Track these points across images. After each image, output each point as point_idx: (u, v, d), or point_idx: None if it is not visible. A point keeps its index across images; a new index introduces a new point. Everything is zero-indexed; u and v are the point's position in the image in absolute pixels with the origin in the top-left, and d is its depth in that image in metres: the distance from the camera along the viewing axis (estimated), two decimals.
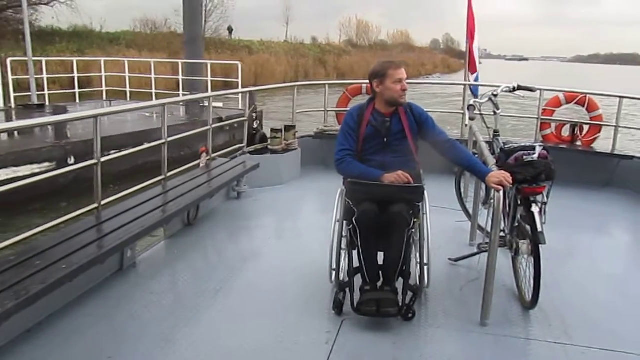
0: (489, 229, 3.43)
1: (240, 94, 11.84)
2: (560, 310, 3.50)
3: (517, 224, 3.67)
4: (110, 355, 2.89)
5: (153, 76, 15.76)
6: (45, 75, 14.53)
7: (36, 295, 2.76)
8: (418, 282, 3.45)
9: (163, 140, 4.92)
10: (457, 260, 4.21)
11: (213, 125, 6.08)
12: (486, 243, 3.83)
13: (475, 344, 3.15)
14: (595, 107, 7.56)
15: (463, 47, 8.57)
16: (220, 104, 13.22)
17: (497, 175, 3.25)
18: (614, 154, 6.81)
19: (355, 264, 3.37)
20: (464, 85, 8.04)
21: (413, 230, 3.35)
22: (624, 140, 7.97)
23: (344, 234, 3.46)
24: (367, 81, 3.63)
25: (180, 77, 15.51)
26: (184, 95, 14.30)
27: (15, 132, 9.96)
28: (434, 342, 3.16)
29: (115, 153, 4.85)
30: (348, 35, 68.26)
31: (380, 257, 3.37)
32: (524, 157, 3.53)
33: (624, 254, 4.97)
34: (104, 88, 15.94)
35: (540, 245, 3.30)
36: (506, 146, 3.77)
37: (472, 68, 8.03)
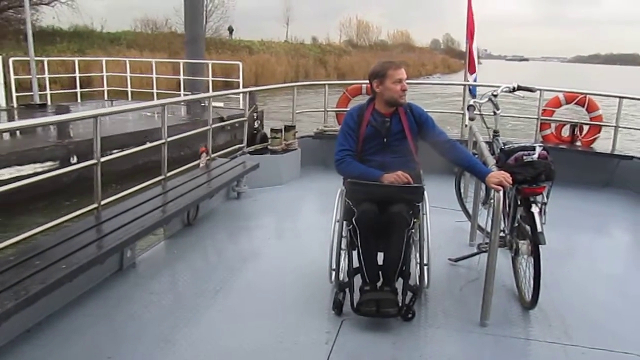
0: (488, 229, 3.43)
1: (240, 94, 11.85)
2: (560, 311, 3.50)
3: (517, 224, 3.67)
4: (109, 356, 2.89)
5: (154, 76, 15.80)
6: (47, 75, 14.58)
7: (36, 295, 2.76)
8: (418, 283, 3.45)
9: (163, 141, 4.92)
10: (456, 260, 4.20)
11: (213, 125, 6.08)
12: (486, 243, 3.83)
13: (475, 344, 3.15)
14: (595, 108, 7.56)
15: (463, 48, 8.57)
16: (221, 104, 13.27)
17: (497, 175, 3.25)
18: (614, 154, 6.81)
19: (355, 264, 3.37)
20: (464, 85, 8.04)
21: (413, 230, 3.35)
22: (623, 140, 7.96)
23: (343, 234, 3.46)
24: (367, 81, 3.62)
25: (182, 77, 15.55)
26: (185, 95, 14.34)
27: (18, 132, 10.02)
28: (434, 342, 3.16)
29: (117, 152, 4.87)
30: (348, 35, 68.38)
31: (380, 257, 3.37)
32: (524, 157, 3.53)
33: (624, 254, 4.97)
34: (105, 88, 15.98)
35: (540, 246, 3.30)
36: (506, 146, 3.78)
37: (472, 68, 8.05)
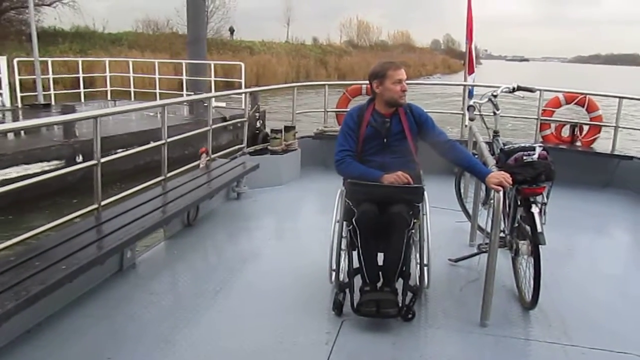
0: (488, 230, 3.43)
1: (242, 95, 11.90)
2: (560, 311, 3.50)
3: (517, 225, 3.67)
4: (109, 356, 2.89)
5: (157, 76, 15.88)
6: (51, 76, 14.64)
7: (36, 296, 2.75)
8: (418, 283, 3.45)
9: (163, 141, 4.92)
10: (457, 260, 4.20)
11: (214, 126, 6.08)
12: (486, 243, 3.83)
13: (475, 345, 3.15)
14: (594, 108, 7.57)
15: (463, 48, 8.59)
16: (223, 104, 13.35)
17: (497, 175, 3.25)
18: (614, 154, 6.81)
19: (355, 264, 3.37)
20: (463, 85, 8.05)
21: (413, 230, 3.35)
22: (623, 140, 7.96)
23: (343, 234, 3.46)
24: (367, 82, 3.62)
25: (184, 77, 15.60)
26: (187, 95, 14.39)
27: (22, 131, 10.10)
28: (434, 342, 3.16)
29: (121, 152, 4.92)
30: (349, 35, 68.41)
31: (380, 257, 3.37)
32: (524, 157, 3.53)
33: (624, 255, 4.97)
34: (108, 88, 16.07)
35: (540, 246, 3.30)
36: (506, 147, 3.77)
37: (471, 69, 8.07)
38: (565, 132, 7.55)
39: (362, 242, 3.29)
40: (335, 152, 3.53)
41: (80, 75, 15.39)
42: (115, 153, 4.85)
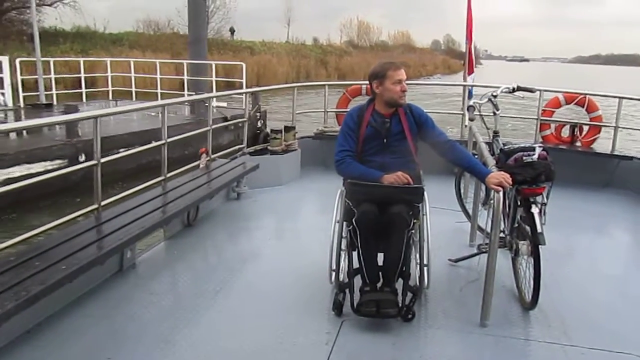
0: (488, 230, 3.43)
1: (242, 95, 11.97)
2: (560, 311, 3.50)
3: (516, 225, 3.67)
4: (109, 356, 2.89)
5: (159, 76, 15.96)
6: (52, 76, 14.70)
7: (36, 296, 2.75)
8: (418, 283, 3.45)
9: (163, 141, 4.92)
10: (456, 261, 4.20)
11: (214, 126, 6.08)
12: (486, 244, 3.83)
13: (475, 345, 3.15)
14: (594, 108, 7.58)
15: (463, 48, 8.60)
16: (224, 104, 13.42)
17: (497, 176, 3.25)
18: (614, 154, 6.81)
19: (355, 264, 3.37)
20: (464, 86, 8.06)
21: (413, 231, 3.35)
22: (623, 141, 7.96)
23: (343, 234, 3.46)
24: (367, 82, 3.63)
25: (185, 77, 15.67)
26: (189, 95, 14.46)
27: (24, 131, 10.14)
28: (434, 343, 3.16)
29: (118, 153, 4.90)
30: (349, 36, 68.39)
31: (380, 258, 3.37)
32: (524, 157, 3.53)
33: (624, 255, 4.97)
34: (110, 88, 16.15)
35: (540, 246, 3.30)
36: (506, 147, 3.78)
37: (470, 69, 8.08)
38: (565, 133, 7.56)
39: (362, 242, 3.29)
40: (335, 152, 3.53)
41: (82, 75, 15.45)
42: (118, 152, 4.87)
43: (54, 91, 14.49)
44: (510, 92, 4.60)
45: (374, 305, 3.18)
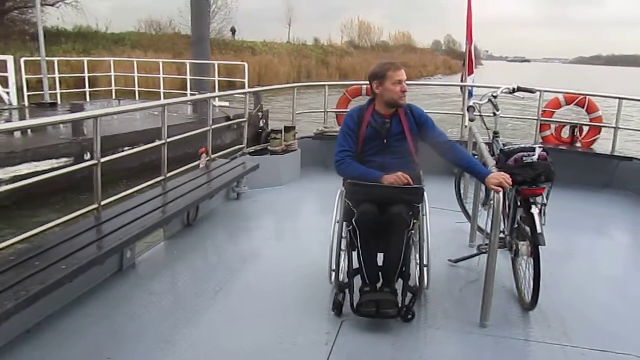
0: (488, 231, 3.42)
1: (245, 95, 12.05)
2: (560, 312, 3.50)
3: (516, 226, 3.67)
4: (109, 356, 2.89)
5: (161, 76, 16.06)
6: (57, 75, 14.80)
7: (36, 295, 2.76)
8: (418, 284, 3.45)
9: (163, 141, 4.92)
10: (456, 261, 4.20)
11: (215, 126, 6.08)
12: (486, 244, 3.82)
13: (475, 346, 3.15)
14: (595, 109, 7.59)
15: (464, 49, 8.60)
16: (226, 104, 13.49)
17: (497, 176, 3.24)
18: (614, 155, 6.81)
19: (355, 265, 3.37)
20: (464, 86, 8.06)
21: (413, 231, 3.35)
22: (623, 141, 7.96)
23: (343, 235, 3.46)
24: (368, 82, 3.63)
25: (188, 77, 15.77)
26: (192, 94, 14.54)
27: (29, 130, 10.25)
28: (434, 343, 3.16)
29: (127, 150, 4.97)
30: (350, 36, 68.44)
31: (380, 258, 3.37)
32: (524, 158, 3.53)
33: (624, 256, 4.96)
34: (113, 87, 16.28)
35: (540, 247, 3.30)
36: (506, 147, 3.77)
37: (471, 70, 8.10)
38: (566, 133, 7.56)
39: (362, 242, 3.29)
40: (336, 152, 3.53)
41: (86, 74, 15.56)
42: (123, 151, 4.92)
43: (58, 90, 14.59)
44: (510, 93, 4.60)
45: (374, 305, 3.18)
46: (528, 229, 3.44)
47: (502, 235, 3.68)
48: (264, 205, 5.83)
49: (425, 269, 3.42)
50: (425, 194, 3.43)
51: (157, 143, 4.96)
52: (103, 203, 4.11)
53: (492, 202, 3.31)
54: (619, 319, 3.49)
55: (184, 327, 3.22)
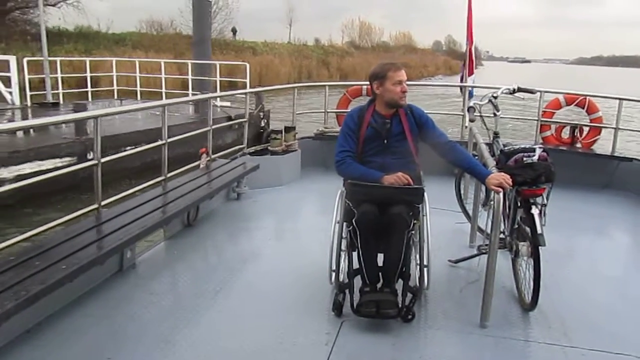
0: (488, 231, 3.42)
1: (245, 95, 12.12)
2: (560, 312, 3.50)
3: (516, 226, 3.67)
4: (109, 356, 2.89)
5: (163, 76, 16.11)
6: (59, 75, 14.84)
7: (36, 295, 2.76)
8: (418, 284, 3.45)
9: (163, 142, 4.92)
10: (456, 261, 4.20)
11: (215, 126, 6.08)
12: (486, 245, 3.82)
13: (475, 346, 3.15)
14: (595, 109, 7.59)
15: (464, 49, 8.61)
16: (228, 103, 13.54)
17: (497, 177, 3.24)
18: (614, 155, 6.81)
19: (355, 265, 3.37)
20: (464, 86, 8.06)
21: (413, 231, 3.35)
22: (623, 141, 7.96)
23: (343, 235, 3.46)
24: (368, 83, 3.63)
25: (190, 77, 15.84)
26: (193, 94, 14.61)
27: (32, 130, 10.31)
28: (434, 343, 3.16)
29: (128, 150, 5.00)
30: (350, 36, 68.47)
31: (380, 258, 3.37)
32: (524, 159, 3.53)
33: (624, 256, 4.96)
34: (115, 87, 16.35)
35: (540, 247, 3.30)
36: (506, 148, 3.77)
37: (471, 70, 8.10)
38: (566, 134, 7.56)
39: (362, 242, 3.29)
40: (336, 152, 3.53)
41: (88, 74, 15.62)
42: (125, 150, 4.94)
43: (60, 90, 14.65)
44: (510, 93, 4.61)
45: (374, 305, 3.18)
46: (528, 229, 3.44)
47: (502, 236, 3.68)
48: (264, 206, 5.83)
49: (425, 269, 3.42)
50: (425, 194, 3.43)
51: (157, 143, 4.96)
52: (103, 203, 4.12)
53: (492, 202, 3.31)
54: (619, 319, 3.49)
55: (184, 327, 3.22)
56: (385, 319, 3.24)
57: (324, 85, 8.10)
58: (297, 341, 3.11)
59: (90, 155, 9.17)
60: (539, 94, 6.67)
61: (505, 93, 4.58)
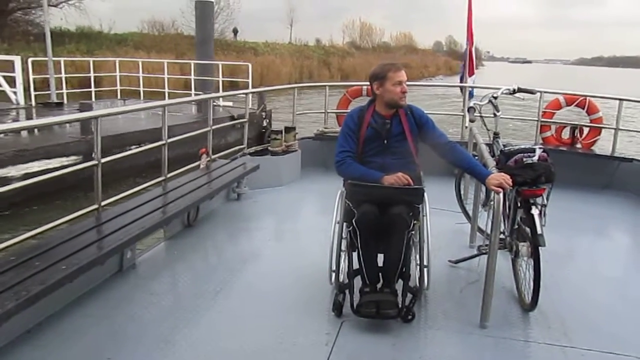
0: (488, 231, 3.42)
1: (245, 95, 12.18)
2: (560, 313, 3.50)
3: (516, 226, 3.67)
4: (109, 356, 2.90)
5: (166, 76, 16.22)
6: (63, 75, 14.97)
7: (36, 295, 2.76)
8: (418, 284, 3.45)
9: (163, 142, 4.93)
10: (457, 262, 4.20)
11: (215, 126, 6.08)
12: (486, 245, 3.82)
13: (475, 346, 3.15)
14: (595, 110, 7.58)
15: (464, 50, 8.61)
16: (230, 103, 13.58)
17: (497, 177, 3.24)
18: (614, 156, 6.81)
19: (355, 265, 3.37)
20: (464, 87, 8.06)
21: (413, 232, 3.35)
22: (623, 142, 7.97)
23: (343, 235, 3.46)
24: (368, 83, 3.63)
25: (192, 77, 15.91)
26: (195, 94, 14.69)
27: (36, 129, 10.43)
28: (434, 344, 3.16)
29: (132, 149, 5.02)
30: (351, 37, 68.50)
31: (380, 258, 3.37)
32: (524, 159, 3.53)
33: (624, 257, 4.96)
34: (118, 87, 16.47)
35: (540, 248, 3.30)
36: (506, 148, 3.78)
37: (471, 70, 8.11)
38: (566, 134, 7.56)
39: (362, 243, 3.29)
40: (336, 153, 3.53)
41: (92, 74, 15.70)
42: (130, 149, 4.95)
43: (64, 90, 14.74)
44: (510, 94, 4.61)
45: (374, 306, 3.18)
46: (528, 229, 3.44)
47: (502, 236, 3.68)
48: (264, 206, 5.83)
49: (425, 269, 3.42)
50: (425, 194, 3.43)
51: (158, 143, 4.97)
52: (103, 203, 4.12)
53: (492, 202, 3.31)
54: (618, 319, 3.50)
55: (184, 328, 3.22)
56: (385, 319, 3.24)
57: (324, 86, 8.10)
58: (297, 341, 3.11)
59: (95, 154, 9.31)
60: (539, 94, 6.68)
61: (505, 93, 4.58)
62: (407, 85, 3.53)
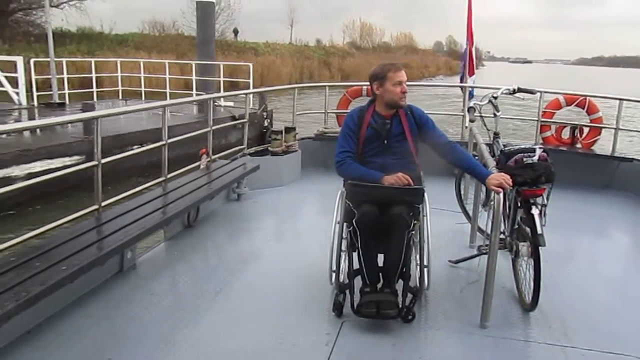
0: (489, 231, 3.42)
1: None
2: (560, 313, 3.50)
3: (517, 226, 3.67)
4: (110, 357, 2.90)
5: (167, 76, 16.26)
6: (65, 75, 15.03)
7: (36, 296, 2.76)
8: (418, 284, 3.45)
9: (163, 142, 4.93)
10: (457, 262, 4.20)
11: (215, 127, 6.08)
12: (486, 245, 3.82)
13: (475, 346, 3.15)
14: (595, 110, 7.58)
15: (464, 50, 8.61)
16: (231, 103, 13.60)
17: (497, 177, 3.24)
18: (614, 156, 6.81)
19: (355, 265, 3.37)
20: (465, 87, 8.06)
21: (413, 232, 3.35)
22: (623, 142, 7.97)
23: (344, 235, 3.46)
24: (368, 83, 3.63)
25: (194, 77, 15.97)
26: (197, 94, 14.75)
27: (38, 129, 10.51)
28: (434, 344, 3.16)
29: (137, 148, 5.02)
30: (352, 37, 68.48)
31: (380, 258, 3.37)
32: (524, 159, 3.53)
33: (624, 256, 4.96)
34: (119, 88, 16.53)
35: (540, 248, 3.30)
36: (506, 148, 3.78)
37: (471, 70, 8.11)
38: (566, 134, 7.56)
39: (362, 243, 3.29)
40: (336, 153, 3.53)
41: (94, 75, 15.76)
42: (131, 148, 4.97)
43: (66, 90, 14.80)
44: (510, 94, 4.61)
45: (374, 306, 3.18)
46: (528, 229, 3.44)
47: (502, 236, 3.68)
48: (264, 206, 5.83)
49: (425, 269, 3.42)
50: (425, 194, 3.43)
51: (158, 144, 4.97)
52: (104, 204, 4.12)
53: (492, 202, 3.31)
54: (619, 319, 3.49)
55: (184, 328, 3.22)
56: (386, 320, 3.24)
57: (324, 86, 8.10)
58: (298, 342, 3.11)
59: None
60: (539, 94, 6.67)
61: (505, 93, 4.58)
62: (407, 85, 3.53)
